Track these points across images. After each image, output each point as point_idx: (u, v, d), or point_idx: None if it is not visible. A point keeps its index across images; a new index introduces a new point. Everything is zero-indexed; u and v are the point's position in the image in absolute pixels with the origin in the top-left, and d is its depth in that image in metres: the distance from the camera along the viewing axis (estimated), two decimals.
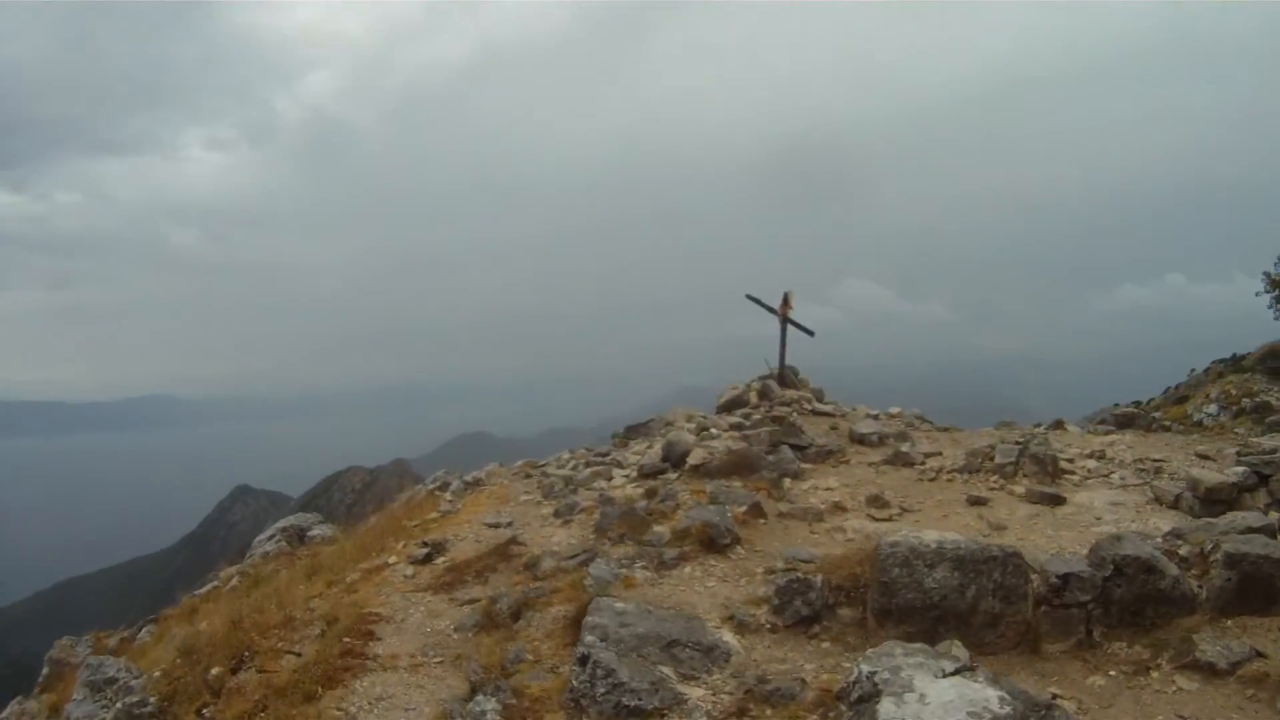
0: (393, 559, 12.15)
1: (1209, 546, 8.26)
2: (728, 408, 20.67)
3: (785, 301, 20.88)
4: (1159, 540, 8.61)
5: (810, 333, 21.09)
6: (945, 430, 18.54)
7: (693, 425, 17.38)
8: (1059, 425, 17.61)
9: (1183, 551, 8.40)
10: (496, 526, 13.26)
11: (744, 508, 11.23)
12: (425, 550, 12.10)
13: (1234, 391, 43.27)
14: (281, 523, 18.00)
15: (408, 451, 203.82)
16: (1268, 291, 16.83)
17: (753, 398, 20.64)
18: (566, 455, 19.13)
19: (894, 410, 20.91)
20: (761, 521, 11.21)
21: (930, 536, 7.68)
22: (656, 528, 10.92)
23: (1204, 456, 14.23)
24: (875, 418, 20.11)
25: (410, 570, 11.55)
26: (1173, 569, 7.91)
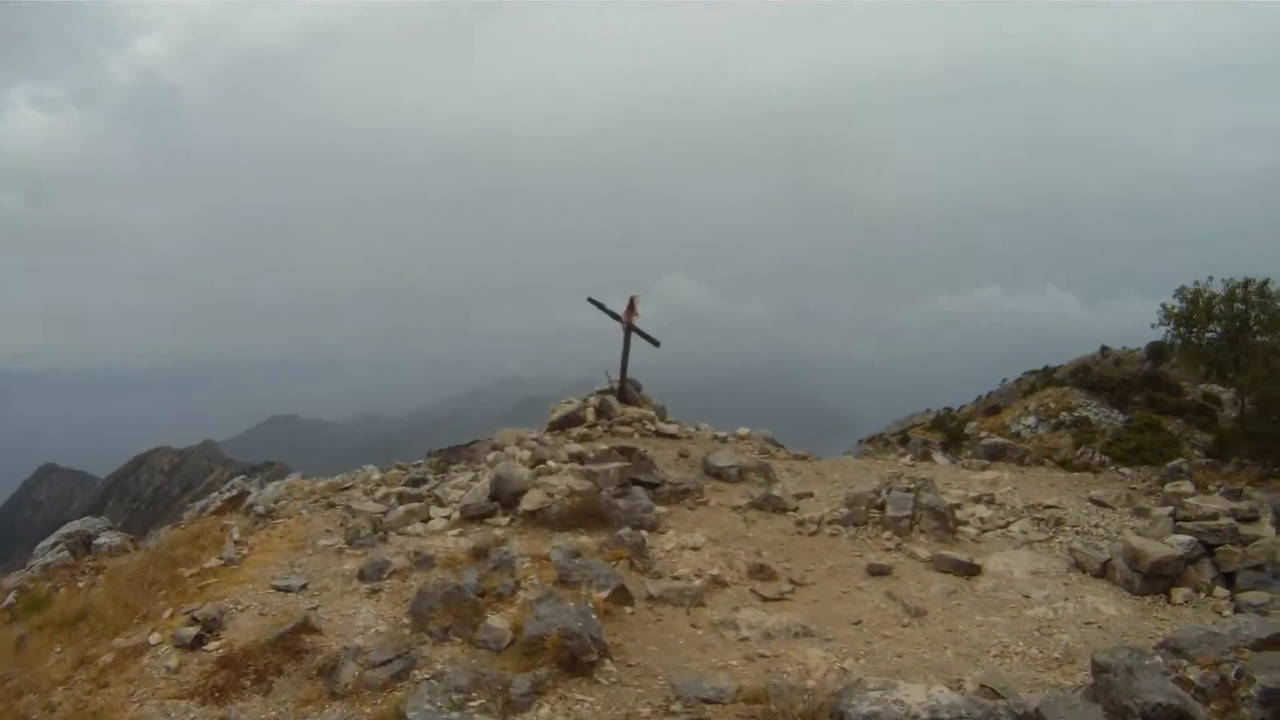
0: (155, 637, 8.92)
1: (1231, 674, 6.34)
2: (561, 425, 18.04)
3: (630, 307, 18.39)
4: (1158, 660, 6.64)
5: (655, 342, 18.70)
6: (803, 459, 16.63)
7: (526, 454, 14.56)
8: (926, 456, 16.04)
9: (1193, 676, 6.46)
10: (287, 591, 10.06)
11: (606, 591, 8.62)
12: (195, 630, 8.86)
13: (1052, 405, 44.45)
14: (66, 529, 15.03)
15: (218, 432, 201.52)
16: (1164, 324, 16.09)
17: (590, 415, 18.09)
18: (376, 476, 15.91)
19: (742, 431, 18.91)
20: (629, 611, 8.64)
21: (913, 698, 5.29)
22: (493, 620, 8.16)
23: (1099, 503, 12.83)
24: (723, 440, 18.04)
25: (175, 660, 8.39)
26: (1201, 712, 5.92)
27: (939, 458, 15.90)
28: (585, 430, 17.63)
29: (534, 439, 16.34)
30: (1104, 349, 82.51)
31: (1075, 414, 41.34)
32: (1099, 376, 47.94)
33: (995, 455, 16.08)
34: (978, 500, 12.66)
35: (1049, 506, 12.45)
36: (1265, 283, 15.38)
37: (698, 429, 19.25)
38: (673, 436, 17.66)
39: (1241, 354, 15.21)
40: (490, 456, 15.98)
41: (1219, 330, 15.32)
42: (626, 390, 18.63)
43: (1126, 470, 15.31)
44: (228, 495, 15.84)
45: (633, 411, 18.11)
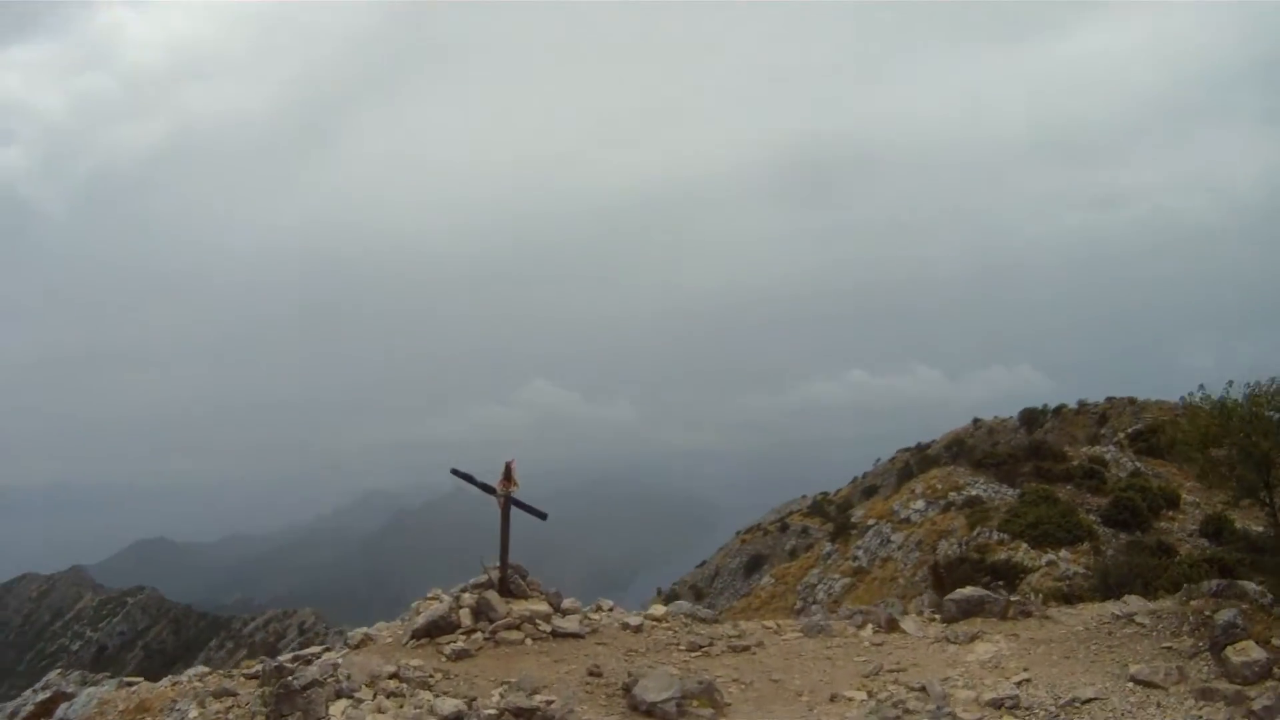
0: None
1: None
2: (429, 633, 14.13)
3: (506, 475, 14.76)
4: None
5: (542, 515, 15.06)
6: (744, 649, 13.16)
7: (386, 716, 10.60)
8: (892, 626, 12.89)
9: None
10: None
11: None
12: None
13: (939, 485, 42.97)
14: None
15: (85, 557, 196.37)
16: (1182, 448, 13.83)
17: (464, 618, 14.23)
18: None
19: (657, 611, 15.44)
20: None
21: None
22: None
23: (1147, 684, 9.91)
24: (637, 629, 14.51)
25: None
26: None
27: (908, 625, 12.79)
28: (460, 639, 13.82)
29: (392, 675, 12.35)
30: (976, 420, 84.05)
31: (964, 493, 40.20)
32: (983, 453, 47.20)
33: (971, 610, 13.11)
34: (998, 707, 9.53)
35: (1088, 701, 9.47)
36: None
37: (602, 612, 15.67)
38: (574, 636, 14.01)
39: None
40: (334, 709, 11.91)
41: (1238, 446, 12.81)
42: (509, 581, 14.86)
43: (1139, 608, 12.54)
44: (41, 699, 14.64)
45: (520, 608, 14.36)
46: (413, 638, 14.21)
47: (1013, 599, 13.54)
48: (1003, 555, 29.56)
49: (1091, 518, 33.41)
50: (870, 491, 75.40)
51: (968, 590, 13.51)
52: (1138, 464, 41.59)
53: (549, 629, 14.00)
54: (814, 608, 33.50)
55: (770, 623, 15.58)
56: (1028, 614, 12.87)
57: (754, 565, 68.99)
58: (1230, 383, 13.26)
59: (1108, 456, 42.25)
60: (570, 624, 14.23)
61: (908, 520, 39.36)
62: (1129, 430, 49.31)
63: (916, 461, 71.12)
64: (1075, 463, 40.87)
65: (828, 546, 42.77)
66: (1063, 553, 30.11)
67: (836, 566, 39.51)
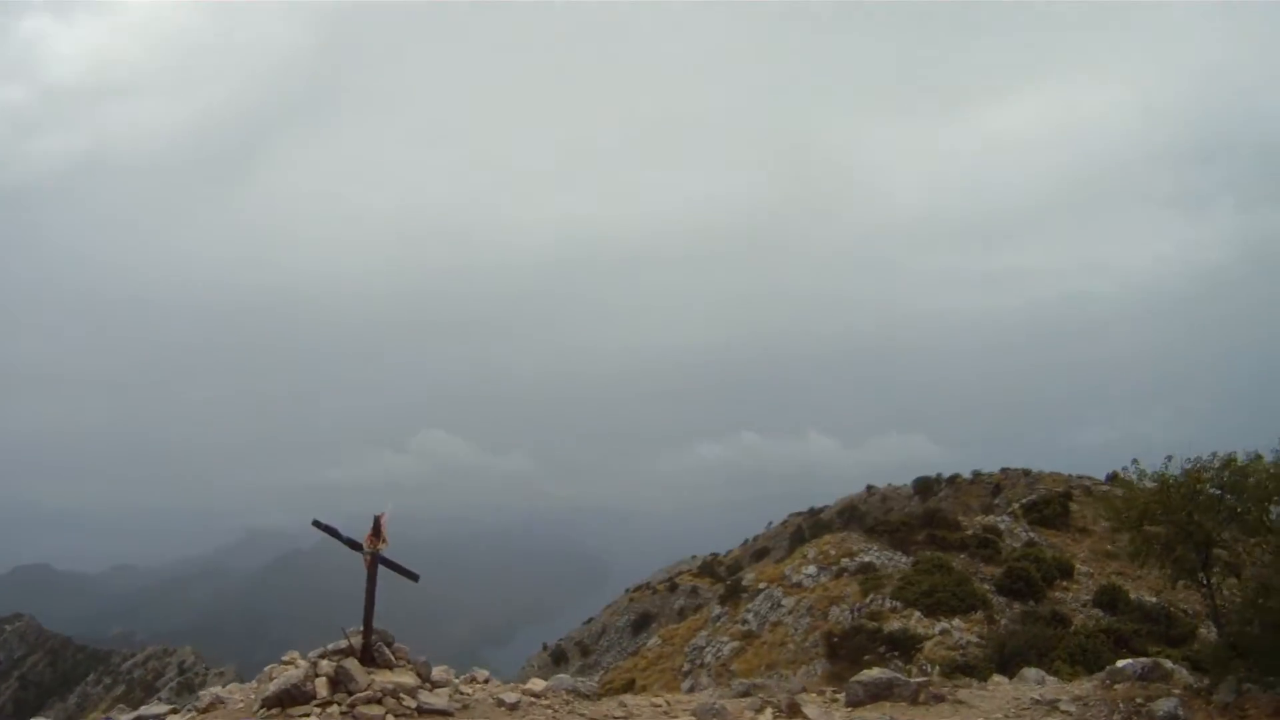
0: None
1: None
2: (281, 702, 12.46)
3: (375, 532, 13.17)
4: None
5: (414, 577, 13.52)
6: None
7: None
8: (795, 711, 11.75)
9: None
10: None
11: None
12: None
13: (832, 551, 42.50)
14: None
15: None
16: (1109, 522, 13.03)
17: (321, 688, 12.59)
18: None
19: (535, 686, 14.04)
20: None
21: None
22: None
23: None
24: (514, 707, 13.06)
25: None
26: None
27: (810, 710, 11.68)
28: (314, 713, 12.18)
29: None
30: (869, 487, 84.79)
31: (857, 559, 39.87)
32: (877, 520, 47.16)
33: (879, 694, 12.10)
34: None
35: None
36: (1230, 460, 12.46)
37: (476, 684, 14.18)
38: (442, 713, 12.50)
39: (1217, 547, 12.12)
40: None
41: (1176, 524, 12.10)
42: (373, 648, 13.24)
43: (1058, 692, 11.71)
44: None
45: (383, 680, 12.77)
46: (263, 706, 12.55)
47: (921, 681, 12.53)
48: (896, 624, 29.02)
49: (985, 587, 33.28)
50: (761, 554, 75.01)
51: (875, 672, 12.53)
52: (1032, 534, 41.98)
53: (414, 705, 12.46)
54: (705, 679, 32.23)
55: (659, 699, 14.34)
56: (939, 699, 11.93)
57: (642, 624, 67.57)
58: (1170, 457, 12.67)
59: (1002, 526, 42.54)
60: (439, 699, 12.73)
61: (799, 585, 38.69)
62: (1023, 501, 50.02)
63: (809, 526, 71.09)
64: (969, 532, 40.99)
65: (717, 609, 41.75)
66: (956, 621, 29.76)
67: (726, 629, 38.44)
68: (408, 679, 12.89)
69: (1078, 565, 36.78)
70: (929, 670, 23.45)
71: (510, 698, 13.10)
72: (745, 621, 37.31)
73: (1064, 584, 34.75)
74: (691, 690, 31.15)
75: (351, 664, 12.78)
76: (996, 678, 15.64)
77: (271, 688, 12.71)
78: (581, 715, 12.58)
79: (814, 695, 13.10)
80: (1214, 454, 12.25)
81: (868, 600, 33.25)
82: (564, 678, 14.56)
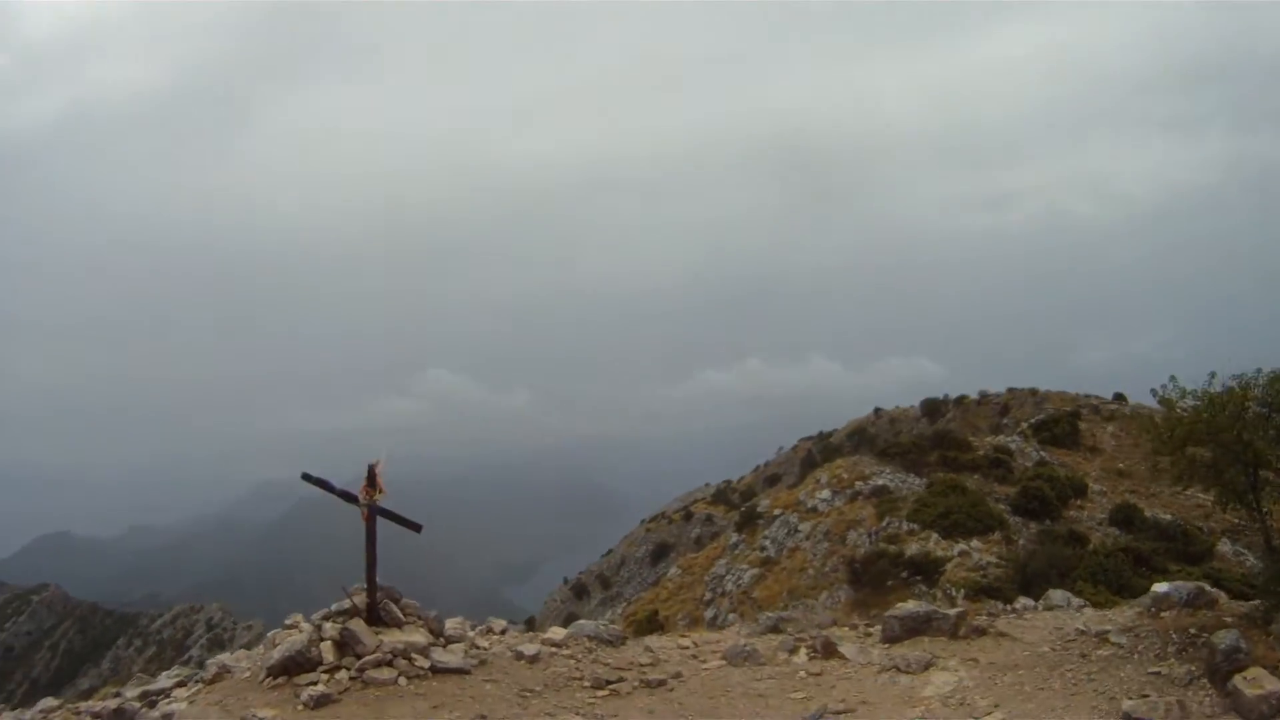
0: None
1: None
2: (286, 670, 11.92)
3: (370, 481, 12.49)
4: None
5: (416, 527, 12.88)
6: (658, 684, 11.29)
7: None
8: (831, 652, 11.14)
9: None
10: None
11: None
12: None
13: (845, 475, 42.09)
14: None
15: None
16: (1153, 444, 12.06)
17: (327, 652, 12.03)
18: None
19: (556, 635, 13.47)
20: None
21: None
22: None
23: None
24: (533, 659, 12.49)
25: None
26: None
27: (847, 649, 11.08)
28: (321, 680, 11.63)
29: None
30: (877, 410, 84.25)
31: (871, 483, 39.43)
32: (887, 443, 46.57)
33: (917, 629, 11.49)
34: None
35: None
36: (1277, 375, 11.48)
37: (493, 635, 13.63)
38: (458, 671, 11.94)
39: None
40: None
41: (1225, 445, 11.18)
42: (379, 607, 12.63)
43: (1106, 623, 11.04)
44: None
45: (392, 640, 12.18)
46: (268, 675, 11.99)
47: (959, 612, 11.87)
48: (915, 547, 28.58)
49: (1001, 507, 32.84)
50: (773, 480, 74.79)
51: (910, 605, 11.91)
52: (1043, 454, 41.49)
53: (427, 664, 11.90)
54: (726, 607, 31.94)
55: (686, 640, 13.77)
56: (981, 631, 11.31)
57: (660, 554, 67.79)
58: (1213, 374, 11.78)
59: (1013, 446, 42.03)
60: (452, 657, 12.17)
61: (814, 510, 38.35)
62: (1032, 420, 49.44)
63: (820, 450, 70.66)
64: (980, 452, 40.44)
65: (734, 536, 41.48)
66: (974, 542, 29.33)
67: (744, 557, 38.18)
68: (418, 637, 12.33)
69: (1090, 484, 36.29)
70: (953, 594, 23.03)
71: (529, 649, 12.55)
72: (763, 548, 37.00)
73: (1078, 503, 34.35)
74: (715, 620, 30.92)
75: (358, 625, 12.22)
76: (1022, 600, 15.08)
77: (275, 655, 12.18)
78: (606, 664, 12.00)
79: (846, 630, 12.51)
80: (1259, 369, 11.41)
81: (884, 524, 32.83)
82: (585, 623, 14.01)
